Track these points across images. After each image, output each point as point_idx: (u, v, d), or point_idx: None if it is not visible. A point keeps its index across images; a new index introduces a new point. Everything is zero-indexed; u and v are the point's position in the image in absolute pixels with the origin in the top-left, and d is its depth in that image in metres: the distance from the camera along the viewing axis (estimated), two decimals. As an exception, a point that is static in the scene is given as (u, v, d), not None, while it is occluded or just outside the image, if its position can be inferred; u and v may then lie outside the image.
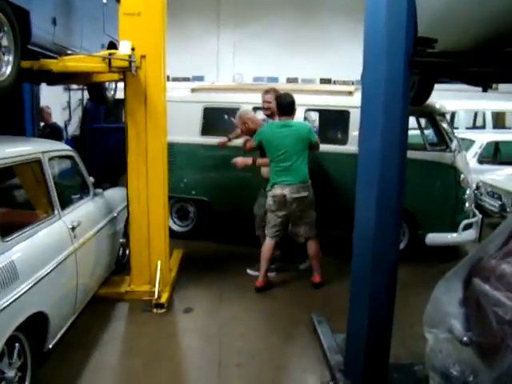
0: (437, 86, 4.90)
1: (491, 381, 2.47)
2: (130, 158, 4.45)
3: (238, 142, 5.52)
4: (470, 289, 3.00)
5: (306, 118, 6.32)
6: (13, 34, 3.36)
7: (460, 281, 3.10)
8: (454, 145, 5.81)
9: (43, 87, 8.65)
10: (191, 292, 4.77)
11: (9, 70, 3.37)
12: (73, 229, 3.54)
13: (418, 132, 5.79)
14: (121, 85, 5.73)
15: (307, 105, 6.14)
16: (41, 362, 3.08)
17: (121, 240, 4.98)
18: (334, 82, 14.32)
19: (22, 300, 2.67)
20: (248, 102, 5.98)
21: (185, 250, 5.78)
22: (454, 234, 5.66)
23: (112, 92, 5.91)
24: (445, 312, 3.08)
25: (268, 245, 4.94)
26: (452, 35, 2.96)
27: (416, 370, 3.30)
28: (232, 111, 6.09)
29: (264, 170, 5.17)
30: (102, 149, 7.73)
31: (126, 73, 4.19)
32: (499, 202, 7.14)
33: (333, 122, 7.20)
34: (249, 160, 5.05)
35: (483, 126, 10.65)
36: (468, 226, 5.75)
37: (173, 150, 5.58)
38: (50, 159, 3.51)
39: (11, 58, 3.37)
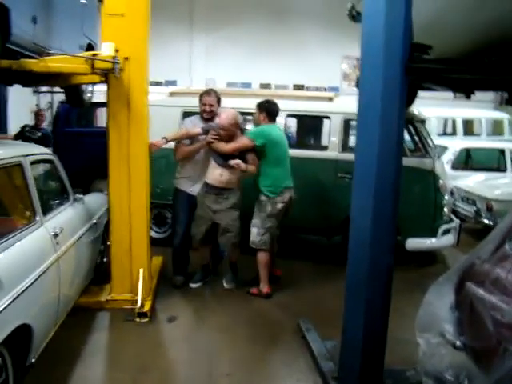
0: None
1: (489, 385, 2.47)
2: (111, 163, 4.32)
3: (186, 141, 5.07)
4: (462, 293, 3.01)
5: (286, 124, 6.31)
6: (-9, 31, 3.21)
7: (451, 286, 3.12)
8: (432, 151, 5.89)
9: (10, 90, 8.40)
10: (174, 300, 4.66)
11: (-12, 70, 3.22)
12: (55, 236, 3.39)
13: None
14: (97, 88, 5.65)
15: (288, 110, 6.12)
16: (22, 377, 2.92)
17: (100, 247, 4.83)
18: (307, 89, 14.43)
19: (7, 313, 2.52)
20: (226, 106, 5.91)
21: (164, 256, 5.65)
22: (433, 239, 5.72)
23: (89, 95, 5.76)
24: (437, 317, 3.09)
25: (265, 255, 4.88)
26: (445, 42, 2.99)
27: (409, 375, 3.30)
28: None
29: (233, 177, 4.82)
30: (76, 153, 7.52)
31: (109, 75, 4.07)
32: (474, 208, 7.28)
33: (313, 127, 7.24)
34: (242, 165, 4.66)
35: (453, 133, 10.88)
36: (446, 231, 5.83)
37: (150, 154, 5.48)
38: (32, 163, 3.36)
39: (-10, 58, 3.23)
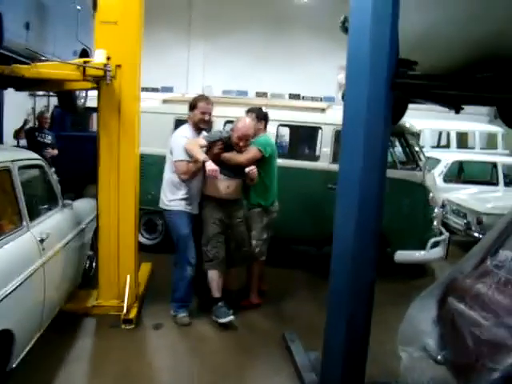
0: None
1: (468, 400, 2.48)
2: (101, 169, 4.34)
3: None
4: (444, 308, 3.03)
5: (278, 134, 6.34)
6: (-17, 36, 3.23)
7: (434, 300, 3.13)
8: (423, 164, 5.92)
9: (6, 93, 8.41)
10: (160, 307, 4.64)
11: (-22, 75, 3.24)
12: (41, 241, 3.40)
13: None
14: (91, 93, 5.67)
15: (280, 120, 6.16)
16: (3, 382, 2.92)
17: (88, 253, 4.84)
18: (303, 98, 14.47)
19: (-12, 317, 2.54)
20: (219, 115, 5.94)
21: (153, 263, 5.65)
22: (423, 252, 5.75)
23: (82, 100, 5.78)
24: (419, 330, 3.10)
25: (260, 266, 4.90)
26: (431, 58, 3.03)
27: (390, 389, 3.31)
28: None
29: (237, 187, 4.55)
30: (69, 157, 7.55)
31: (101, 82, 4.10)
32: (464, 221, 7.32)
33: (305, 138, 7.27)
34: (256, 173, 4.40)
35: (447, 146, 10.94)
36: (436, 244, 5.85)
37: (142, 161, 5.49)
38: (20, 168, 3.38)
39: (-19, 63, 3.25)
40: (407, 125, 6.03)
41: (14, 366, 2.96)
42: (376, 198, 2.88)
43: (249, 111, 4.85)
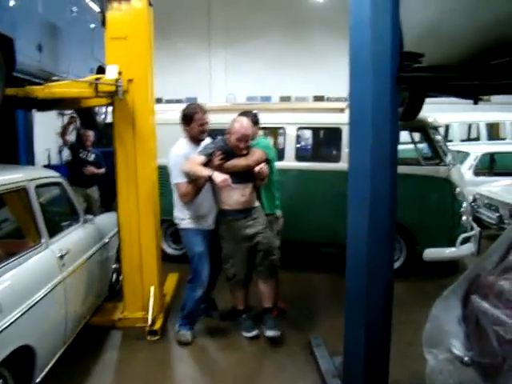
0: (430, 100, 4.88)
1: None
2: (119, 182, 4.40)
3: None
4: (468, 306, 2.92)
5: (298, 137, 6.30)
6: (-4, 62, 3.32)
7: (458, 298, 3.02)
8: (448, 158, 5.77)
9: (36, 113, 8.65)
10: (186, 317, 4.65)
11: (-7, 98, 3.32)
12: (61, 257, 3.46)
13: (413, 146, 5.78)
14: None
15: (299, 123, 6.12)
16: (28, 398, 2.97)
17: (113, 266, 4.90)
18: (328, 99, 14.38)
19: (5, 334, 2.58)
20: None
21: (180, 273, 5.68)
22: (452, 249, 5.58)
23: (103, 116, 5.88)
24: (444, 331, 3.00)
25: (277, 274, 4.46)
26: (439, 49, 2.94)
27: (416, 392, 3.20)
28: (223, 132, 6.06)
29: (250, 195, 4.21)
30: (96, 173, 7.67)
31: (114, 97, 4.15)
32: (497, 214, 7.08)
33: (325, 139, 7.20)
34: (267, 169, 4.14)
35: (477, 138, 10.65)
36: (466, 240, 5.68)
37: (164, 173, 5.55)
38: (37, 187, 3.44)
39: (-5, 87, 3.33)
40: (429, 119, 5.88)
41: (37, 380, 3.01)
42: (388, 194, 2.80)
43: (243, 115, 4.41)
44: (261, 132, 4.80)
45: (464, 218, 5.67)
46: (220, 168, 3.97)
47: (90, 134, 7.62)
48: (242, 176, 4.08)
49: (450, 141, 9.79)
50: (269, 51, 14.84)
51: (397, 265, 5.72)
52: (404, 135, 6.68)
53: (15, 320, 2.69)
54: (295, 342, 4.18)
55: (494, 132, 10.96)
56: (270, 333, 4.18)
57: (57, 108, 6.73)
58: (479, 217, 7.40)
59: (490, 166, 8.84)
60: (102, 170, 7.43)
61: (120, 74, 4.08)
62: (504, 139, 10.62)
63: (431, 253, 5.60)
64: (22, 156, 7.01)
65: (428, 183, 5.52)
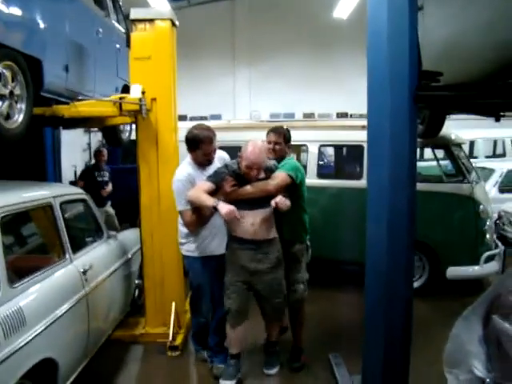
0: (455, 116, 4.86)
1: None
2: (142, 199, 4.48)
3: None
4: (489, 327, 2.87)
5: (320, 154, 6.33)
6: (25, 82, 3.45)
7: (479, 318, 2.98)
8: (471, 175, 5.71)
9: (63, 130, 8.88)
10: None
11: (21, 117, 3.44)
12: (84, 272, 3.53)
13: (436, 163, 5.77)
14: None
15: (321, 141, 6.15)
16: (51, 410, 3.03)
17: (136, 281, 4.96)
18: (351, 116, 14.39)
19: (29, 347, 2.64)
20: (263, 140, 6.02)
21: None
22: (476, 267, 5.50)
23: (127, 134, 6.01)
24: (465, 351, 2.94)
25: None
26: (457, 67, 2.95)
27: (438, 413, 3.15)
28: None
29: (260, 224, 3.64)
30: (121, 189, 7.82)
31: (137, 116, 4.26)
32: (523, 232, 6.96)
33: (347, 157, 7.21)
34: (288, 202, 3.52)
35: (503, 155, 10.49)
36: (490, 258, 5.59)
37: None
38: (62, 203, 3.54)
39: (23, 106, 3.46)
40: (452, 136, 5.84)
41: (59, 394, 3.06)
42: (406, 211, 2.81)
43: (273, 131, 4.01)
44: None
45: (488, 235, 5.59)
46: (232, 196, 3.55)
47: (105, 153, 7.82)
48: (255, 200, 3.57)
49: (475, 157, 9.68)
50: (292, 68, 14.97)
51: (419, 283, 5.67)
52: (428, 152, 6.67)
53: (39, 333, 2.76)
54: (315, 359, 4.15)
55: (521, 148, 10.78)
56: (267, 371, 3.97)
57: (82, 126, 6.90)
58: (504, 234, 7.28)
59: (516, 182, 8.69)
60: (110, 188, 7.65)
61: (144, 93, 4.19)
62: (531, 156, 10.45)
63: (455, 271, 5.52)
64: (50, 172, 7.19)
65: (451, 201, 5.47)
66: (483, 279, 6.09)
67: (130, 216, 7.76)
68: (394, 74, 2.69)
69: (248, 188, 3.59)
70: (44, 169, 6.97)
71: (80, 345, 3.41)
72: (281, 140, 3.95)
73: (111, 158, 8.41)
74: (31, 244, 3.60)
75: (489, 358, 2.83)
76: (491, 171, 8.34)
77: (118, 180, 7.95)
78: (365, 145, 5.74)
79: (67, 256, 3.44)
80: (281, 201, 3.42)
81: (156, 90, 4.31)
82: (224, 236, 3.83)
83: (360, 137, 5.86)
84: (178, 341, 4.37)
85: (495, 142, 11.07)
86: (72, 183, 8.11)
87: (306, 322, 4.25)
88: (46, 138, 7.10)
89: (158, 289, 4.55)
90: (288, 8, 14.99)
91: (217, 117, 13.41)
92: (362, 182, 5.70)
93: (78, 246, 3.70)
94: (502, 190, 8.25)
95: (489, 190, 7.42)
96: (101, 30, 5.02)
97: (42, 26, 3.64)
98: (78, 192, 4.06)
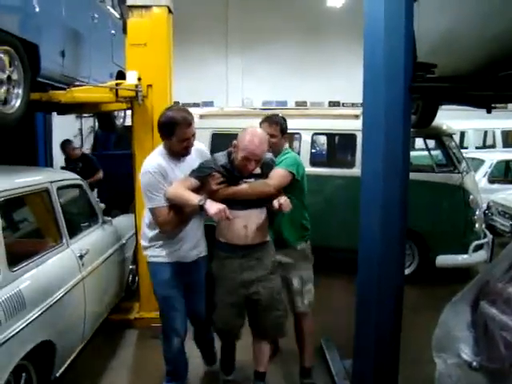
0: (446, 106, 4.93)
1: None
2: (137, 185, 4.50)
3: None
4: (477, 312, 2.97)
5: (313, 142, 6.38)
6: (22, 67, 3.47)
7: (468, 304, 3.06)
8: (462, 166, 5.80)
9: (55, 115, 8.85)
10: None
11: (18, 102, 3.47)
12: (81, 257, 3.58)
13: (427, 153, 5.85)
14: (130, 112, 5.90)
15: (314, 129, 6.20)
16: (48, 391, 3.09)
17: (130, 267, 5.01)
18: (343, 105, 14.45)
19: (29, 329, 2.70)
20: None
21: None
22: (465, 256, 5.61)
23: (121, 120, 6.02)
24: (453, 336, 3.04)
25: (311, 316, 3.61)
26: (451, 60, 3.00)
27: (425, 395, 3.25)
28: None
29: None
30: (113, 175, 7.82)
31: (133, 102, 4.27)
32: (510, 222, 7.09)
33: (340, 145, 7.27)
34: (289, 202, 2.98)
35: (493, 146, 10.62)
36: (479, 247, 5.70)
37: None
38: (58, 189, 3.57)
39: (21, 91, 3.48)
40: (444, 126, 5.92)
41: (57, 375, 3.13)
42: (399, 199, 2.88)
43: (267, 121, 3.46)
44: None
45: (477, 225, 5.70)
46: (219, 196, 2.97)
47: (74, 147, 7.78)
48: (248, 200, 3.04)
49: (466, 148, 9.80)
50: (285, 56, 14.96)
51: (409, 270, 5.77)
52: (419, 142, 6.76)
53: (38, 316, 2.82)
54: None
55: (509, 139, 10.93)
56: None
57: (77, 112, 6.91)
58: (493, 224, 7.41)
59: (505, 173, 8.83)
60: (101, 175, 7.54)
61: (140, 79, 4.20)
62: (521, 147, 10.59)
63: (444, 259, 5.63)
64: (41, 158, 7.19)
65: (441, 190, 5.57)
66: (471, 268, 6.21)
67: (122, 202, 7.79)
68: (389, 65, 2.74)
69: (244, 188, 3.02)
70: (35, 154, 6.98)
71: (77, 328, 3.47)
72: (277, 132, 3.39)
73: (105, 144, 8.42)
74: (29, 229, 3.64)
75: (476, 343, 2.93)
76: (481, 162, 8.45)
77: (110, 166, 7.96)
78: (357, 134, 5.83)
79: (64, 241, 3.49)
80: (286, 202, 2.91)
81: (152, 76, 4.32)
82: (196, 240, 3.27)
83: (353, 126, 5.93)
84: (172, 325, 4.43)
85: (485, 133, 11.20)
86: (63, 169, 8.09)
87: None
88: (38, 122, 7.09)
89: (152, 274, 4.59)
90: (282, -5, 14.96)
91: (209, 103, 13.40)
92: (354, 171, 5.79)
93: (74, 230, 3.75)
94: (491, 181, 8.37)
95: (479, 180, 7.53)
96: (96, 15, 5.02)
97: (38, 10, 3.65)
98: (74, 177, 4.09)
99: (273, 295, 3.15)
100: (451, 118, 7.45)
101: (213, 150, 6.17)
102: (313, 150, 6.48)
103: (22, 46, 3.44)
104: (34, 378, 2.86)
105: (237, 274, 3.09)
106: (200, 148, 3.39)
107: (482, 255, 5.70)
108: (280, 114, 3.65)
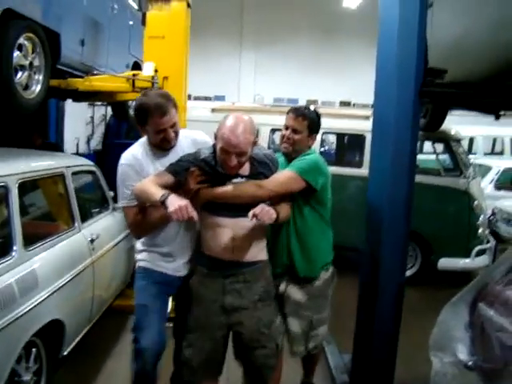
0: (456, 112, 4.99)
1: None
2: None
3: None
4: (475, 313, 3.04)
5: (323, 141, 6.47)
6: (44, 54, 3.57)
7: (466, 305, 3.14)
8: (468, 171, 5.86)
9: (67, 102, 8.95)
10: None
11: (38, 88, 3.58)
12: (92, 241, 3.67)
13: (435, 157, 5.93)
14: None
15: (325, 128, 6.25)
16: (56, 368, 3.19)
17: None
18: (354, 105, 14.48)
19: (41, 307, 2.80)
20: (267, 123, 6.15)
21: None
22: (467, 260, 5.68)
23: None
24: (451, 336, 3.12)
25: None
26: (462, 66, 3.07)
27: (420, 392, 3.34)
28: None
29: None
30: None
31: (149, 93, 4.35)
32: (515, 229, 7.14)
33: (349, 145, 7.34)
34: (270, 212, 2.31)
35: (502, 153, 10.64)
36: (481, 252, 5.77)
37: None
38: (73, 174, 3.67)
39: (41, 77, 3.59)
40: (452, 131, 5.98)
41: (65, 353, 3.23)
42: (405, 201, 2.95)
43: (293, 112, 2.80)
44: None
45: (480, 230, 5.76)
46: (199, 197, 2.44)
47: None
48: (239, 204, 2.42)
49: (474, 154, 9.83)
50: (298, 54, 15.02)
51: (411, 272, 5.84)
52: (427, 146, 6.82)
53: (49, 295, 2.91)
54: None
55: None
56: None
57: (92, 100, 7.01)
58: (497, 231, 7.45)
59: (512, 181, 8.86)
60: None
61: (156, 71, 4.29)
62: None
63: (446, 262, 5.70)
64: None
65: (447, 194, 5.64)
66: (472, 272, 6.28)
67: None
68: (402, 69, 2.81)
69: (226, 189, 2.42)
70: (46, 139, 7.08)
71: (85, 309, 3.57)
72: (302, 127, 2.74)
73: (116, 133, 8.51)
74: (43, 211, 3.73)
75: (472, 343, 3.01)
76: (488, 168, 8.49)
77: (121, 154, 8.03)
78: (367, 135, 5.90)
79: (76, 225, 3.59)
80: (263, 212, 2.25)
81: (168, 68, 4.41)
82: (185, 259, 2.71)
83: (363, 127, 6.01)
84: (173, 312, 4.52)
85: (494, 140, 11.21)
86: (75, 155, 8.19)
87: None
88: (50, 109, 7.21)
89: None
90: (298, -7, 15.00)
91: (221, 98, 13.47)
92: (362, 171, 5.86)
93: (86, 215, 3.85)
94: (497, 188, 8.41)
95: (485, 186, 7.58)
96: (116, 6, 5.11)
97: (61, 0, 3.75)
98: (87, 163, 4.18)
99: (259, 329, 2.52)
100: (461, 124, 7.51)
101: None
102: (321, 149, 6.55)
103: (45, 33, 3.55)
104: (43, 355, 2.96)
105: (218, 296, 2.50)
106: (193, 137, 2.77)
107: (484, 260, 5.76)
108: (313, 108, 2.91)
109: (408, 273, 5.72)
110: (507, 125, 10.22)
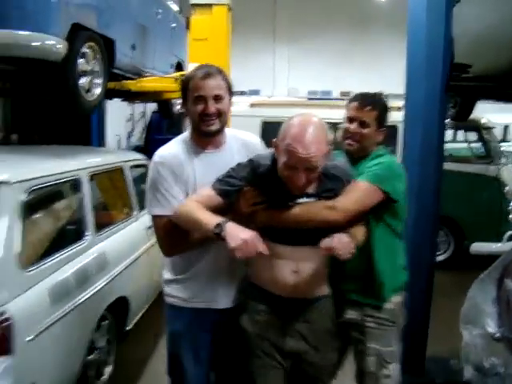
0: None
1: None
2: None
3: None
4: (502, 289, 3.29)
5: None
6: (102, 60, 3.96)
7: (493, 281, 3.38)
8: (500, 158, 6.02)
9: (108, 101, 9.37)
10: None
11: (98, 91, 3.96)
12: (148, 228, 4.06)
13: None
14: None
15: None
16: (121, 340, 3.59)
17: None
18: (386, 96, 14.53)
19: (111, 285, 3.19)
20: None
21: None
22: (499, 244, 5.83)
23: (178, 107, 6.50)
24: (479, 310, 3.37)
25: None
26: (487, 60, 3.30)
27: (452, 363, 3.61)
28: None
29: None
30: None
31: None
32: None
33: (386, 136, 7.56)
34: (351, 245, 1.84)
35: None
36: (513, 237, 5.92)
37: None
38: (130, 167, 4.06)
39: (100, 81, 3.97)
40: (483, 120, 6.15)
41: (129, 327, 3.64)
42: (434, 185, 3.21)
43: (359, 100, 2.27)
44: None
45: (511, 215, 5.92)
46: (255, 220, 1.97)
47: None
48: (301, 232, 1.97)
49: (508, 141, 9.84)
50: (331, 47, 15.18)
51: (444, 257, 6.06)
52: (460, 134, 6.98)
53: (117, 275, 3.31)
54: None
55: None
56: None
57: (141, 99, 7.42)
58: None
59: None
60: None
61: (201, 71, 4.62)
62: None
63: (478, 247, 5.87)
64: (95, 140, 7.69)
65: (479, 181, 5.82)
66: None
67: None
68: (429, 65, 3.07)
69: (290, 212, 1.95)
70: (89, 137, 7.52)
71: (144, 290, 3.96)
72: (371, 119, 2.22)
73: (157, 128, 8.94)
74: (106, 201, 4.13)
75: (499, 316, 3.26)
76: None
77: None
78: (399, 125, 6.09)
79: (135, 213, 3.98)
80: (341, 244, 1.80)
81: (212, 68, 4.74)
82: (233, 278, 2.17)
83: (395, 117, 6.19)
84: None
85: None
86: None
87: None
88: (93, 108, 7.60)
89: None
90: (330, -13, 15.14)
91: (255, 92, 13.73)
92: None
93: (142, 205, 4.23)
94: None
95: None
96: (160, 10, 5.48)
97: (115, 10, 4.13)
98: (141, 158, 4.58)
99: (322, 372, 2.16)
100: (497, 112, 7.60)
101: (263, 138, 6.64)
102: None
103: (103, 41, 3.93)
104: (113, 327, 3.37)
105: (275, 338, 2.05)
106: (244, 138, 2.30)
107: (515, 244, 5.91)
108: (381, 94, 2.43)
109: (441, 258, 5.94)
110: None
